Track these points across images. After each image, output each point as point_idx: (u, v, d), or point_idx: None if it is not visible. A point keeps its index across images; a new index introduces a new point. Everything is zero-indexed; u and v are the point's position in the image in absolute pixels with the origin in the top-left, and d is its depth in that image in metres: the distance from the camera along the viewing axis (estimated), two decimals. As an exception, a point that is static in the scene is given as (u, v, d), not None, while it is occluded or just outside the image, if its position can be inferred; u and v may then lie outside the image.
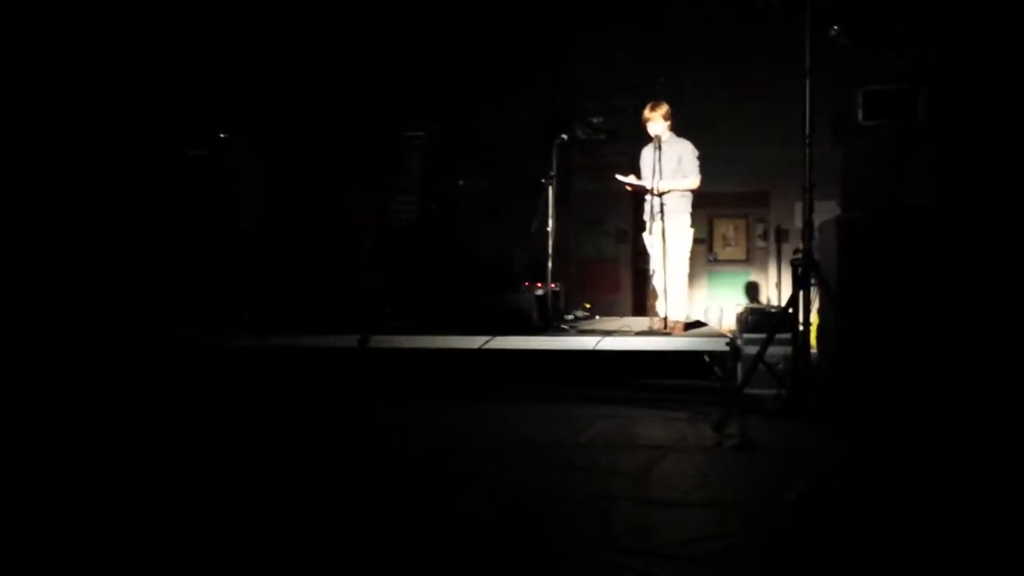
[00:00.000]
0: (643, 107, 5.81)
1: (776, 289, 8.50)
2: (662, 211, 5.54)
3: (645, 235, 5.90)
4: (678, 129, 5.83)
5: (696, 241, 6.10)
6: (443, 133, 7.26)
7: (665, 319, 5.61)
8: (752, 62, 8.02)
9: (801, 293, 4.35)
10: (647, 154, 5.84)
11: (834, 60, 5.07)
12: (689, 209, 5.76)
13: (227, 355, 5.70)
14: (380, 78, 7.83)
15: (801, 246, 4.39)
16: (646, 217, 5.78)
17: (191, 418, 4.69)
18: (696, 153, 5.72)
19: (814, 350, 5.02)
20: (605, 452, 3.72)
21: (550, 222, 5.86)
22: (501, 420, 4.55)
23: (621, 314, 7.96)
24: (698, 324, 6.31)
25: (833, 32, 5.00)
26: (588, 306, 7.39)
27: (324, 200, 7.76)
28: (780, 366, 4.90)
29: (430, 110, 7.59)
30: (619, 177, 5.84)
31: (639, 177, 5.85)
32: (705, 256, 9.04)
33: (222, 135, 7.23)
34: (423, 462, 3.64)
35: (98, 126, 6.78)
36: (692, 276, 6.31)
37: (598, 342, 5.20)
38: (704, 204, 6.73)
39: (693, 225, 5.83)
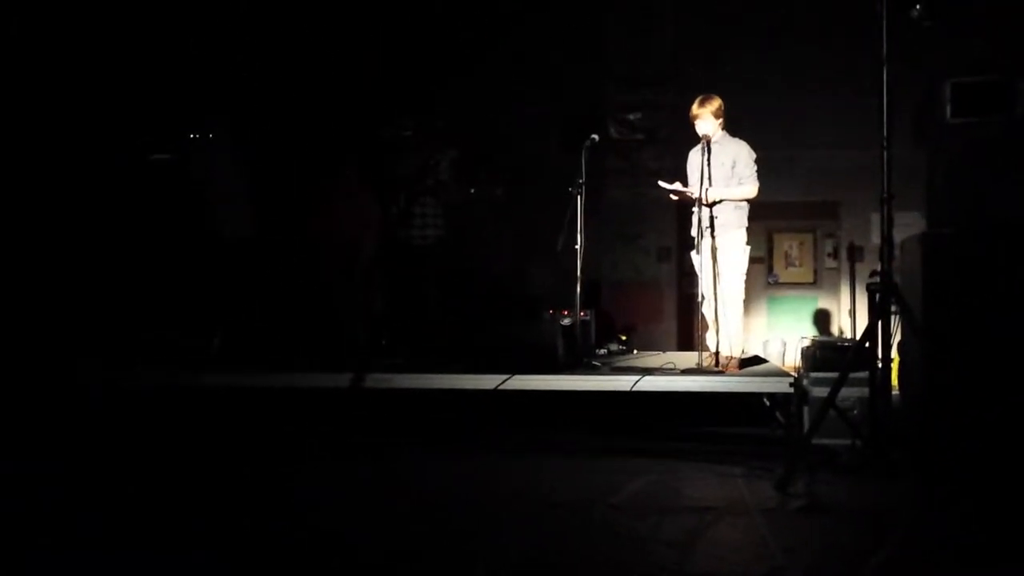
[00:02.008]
0: (690, 102, 5.84)
1: (849, 318, 8.44)
2: (712, 225, 5.55)
3: (692, 253, 5.90)
4: (731, 128, 5.84)
5: (753, 260, 6.09)
6: (451, 133, 7.30)
7: (716, 354, 5.60)
8: (819, 49, 8.04)
9: (880, 323, 4.34)
10: (695, 157, 5.86)
11: (916, 47, 5.08)
12: (745, 222, 5.76)
13: (191, 396, 5.70)
14: (379, 69, 7.92)
15: (879, 267, 4.39)
16: (693, 232, 5.79)
17: (132, 473, 4.67)
18: (753, 156, 5.73)
19: (895, 392, 4.98)
20: (645, 515, 3.71)
21: (579, 238, 5.88)
22: (519, 475, 4.57)
23: (664, 348, 7.94)
24: (756, 360, 6.30)
25: (915, 13, 5.01)
26: (624, 338, 7.40)
27: (310, 211, 7.83)
28: (855, 411, 4.89)
29: (436, 105, 7.64)
30: (662, 184, 5.85)
31: (685, 184, 5.87)
32: (764, 278, 9.01)
33: (193, 135, 7.32)
34: (422, 525, 3.65)
35: (47, 128, 6.89)
36: (749, 302, 6.30)
37: (636, 382, 5.19)
38: (763, 216, 6.72)
39: (749, 242, 5.83)
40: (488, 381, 5.29)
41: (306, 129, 7.76)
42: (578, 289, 5.90)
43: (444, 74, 7.97)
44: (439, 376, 5.48)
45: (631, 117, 8.94)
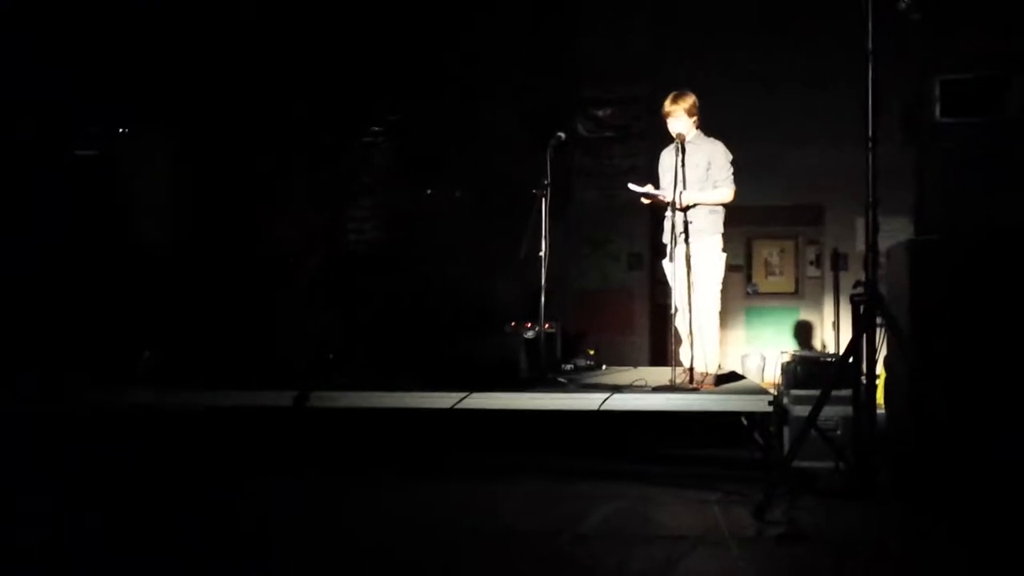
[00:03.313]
0: (663, 97, 5.86)
1: (833, 331, 8.53)
2: (686, 230, 5.56)
3: (665, 261, 5.92)
4: (707, 126, 5.87)
5: (730, 269, 6.12)
6: (407, 129, 7.29)
7: (691, 370, 5.61)
8: (802, 42, 8.12)
9: (864, 337, 4.36)
10: (667, 158, 5.89)
11: (904, 42, 5.13)
12: (721, 228, 5.80)
13: (116, 416, 5.64)
14: (327, 59, 7.87)
15: (864, 276, 4.41)
16: (666, 238, 5.81)
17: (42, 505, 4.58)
18: (729, 157, 5.76)
19: (881, 411, 5.02)
20: (614, 545, 3.71)
21: (543, 243, 5.89)
22: (478, 502, 4.54)
23: (635, 363, 7.97)
24: (733, 376, 6.32)
25: (902, 5, 5.07)
26: (592, 352, 7.41)
27: (252, 213, 7.77)
28: (838, 432, 4.92)
29: (390, 100, 7.62)
30: (632, 186, 5.87)
31: (657, 186, 5.89)
32: (742, 288, 9.07)
33: (121, 130, 7.24)
34: (374, 560, 3.61)
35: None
36: (725, 314, 6.33)
37: (605, 400, 5.19)
38: (740, 221, 6.75)
39: (726, 248, 5.86)
40: (445, 399, 5.27)
41: (247, 126, 7.69)
42: (542, 299, 5.90)
43: (403, 72, 7.93)
44: (390, 394, 5.44)
45: (601, 113, 8.98)
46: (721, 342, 6.10)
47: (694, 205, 5.65)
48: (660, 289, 8.11)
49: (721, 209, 5.78)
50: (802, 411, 4.81)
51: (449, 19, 8.11)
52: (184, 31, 7.58)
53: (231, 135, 7.68)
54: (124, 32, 7.38)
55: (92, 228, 7.06)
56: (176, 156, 7.62)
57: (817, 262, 9.01)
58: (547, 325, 6.04)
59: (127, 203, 7.28)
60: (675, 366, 5.60)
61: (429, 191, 7.51)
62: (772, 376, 7.15)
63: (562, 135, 6.06)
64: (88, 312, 6.81)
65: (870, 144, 4.41)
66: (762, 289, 9.13)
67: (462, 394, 5.25)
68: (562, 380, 5.97)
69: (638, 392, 5.40)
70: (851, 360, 4.44)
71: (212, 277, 7.45)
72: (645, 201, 5.92)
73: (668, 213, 5.75)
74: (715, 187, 5.70)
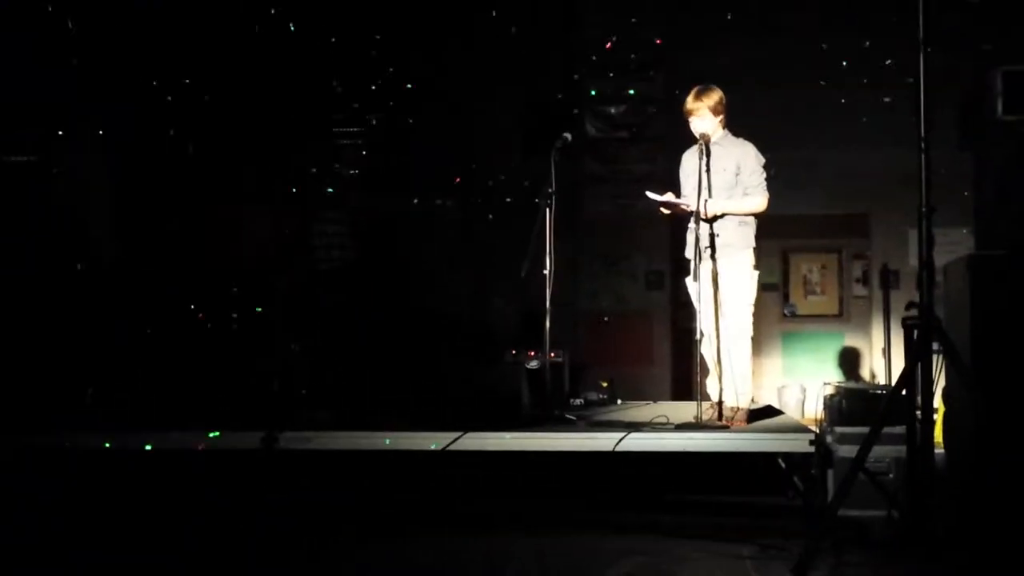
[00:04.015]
0: (684, 92, 5.90)
1: (883, 359, 8.54)
2: (712, 245, 5.58)
3: (688, 280, 5.94)
4: (735, 126, 5.91)
5: (763, 288, 6.14)
6: (391, 129, 7.32)
7: (719, 405, 5.63)
8: (842, 30, 8.15)
9: (919, 367, 4.37)
10: (690, 161, 5.92)
11: (962, 29, 5.18)
12: (752, 242, 5.82)
13: (56, 461, 5.61)
14: (297, 47, 7.92)
15: (918, 296, 4.43)
16: (689, 254, 5.83)
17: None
18: (761, 160, 5.79)
19: (939, 450, 5.02)
20: (631, 608, 3.70)
21: (548, 260, 5.91)
22: (476, 559, 4.55)
23: (655, 397, 7.97)
24: (769, 412, 6.33)
25: (960, -13, 5.12)
26: (606, 385, 7.41)
27: (212, 226, 7.79)
28: (890, 475, 4.92)
29: (371, 95, 7.66)
30: (650, 195, 5.90)
31: (678, 194, 5.92)
32: (778, 310, 9.09)
33: (60, 132, 7.27)
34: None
35: None
36: (759, 340, 6.34)
37: (620, 440, 5.19)
38: (775, 233, 6.80)
39: (759, 265, 5.89)
40: (433, 440, 5.26)
41: (203, 129, 7.71)
42: (547, 324, 5.92)
43: (386, 63, 7.97)
44: (373, 434, 5.44)
45: (612, 110, 9.02)
46: (754, 372, 6.12)
47: (721, 215, 5.68)
48: (683, 312, 8.13)
49: (752, 220, 5.80)
50: (848, 451, 4.83)
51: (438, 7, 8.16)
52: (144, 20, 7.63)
53: (186, 135, 7.71)
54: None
55: (24, 241, 7.08)
56: (125, 156, 7.63)
57: (864, 279, 9.03)
58: (553, 354, 6.06)
59: (65, 211, 7.30)
60: (701, 400, 5.61)
61: (416, 200, 7.53)
62: (813, 411, 7.14)
63: (568, 136, 6.09)
64: (18, 339, 6.81)
65: (923, 145, 4.42)
66: (801, 311, 9.15)
67: (455, 434, 5.24)
68: (571, 417, 5.98)
69: (659, 431, 5.41)
70: (904, 392, 4.44)
71: (164, 298, 7.45)
72: (665, 211, 5.95)
73: (692, 225, 5.77)
74: (745, 194, 5.73)
